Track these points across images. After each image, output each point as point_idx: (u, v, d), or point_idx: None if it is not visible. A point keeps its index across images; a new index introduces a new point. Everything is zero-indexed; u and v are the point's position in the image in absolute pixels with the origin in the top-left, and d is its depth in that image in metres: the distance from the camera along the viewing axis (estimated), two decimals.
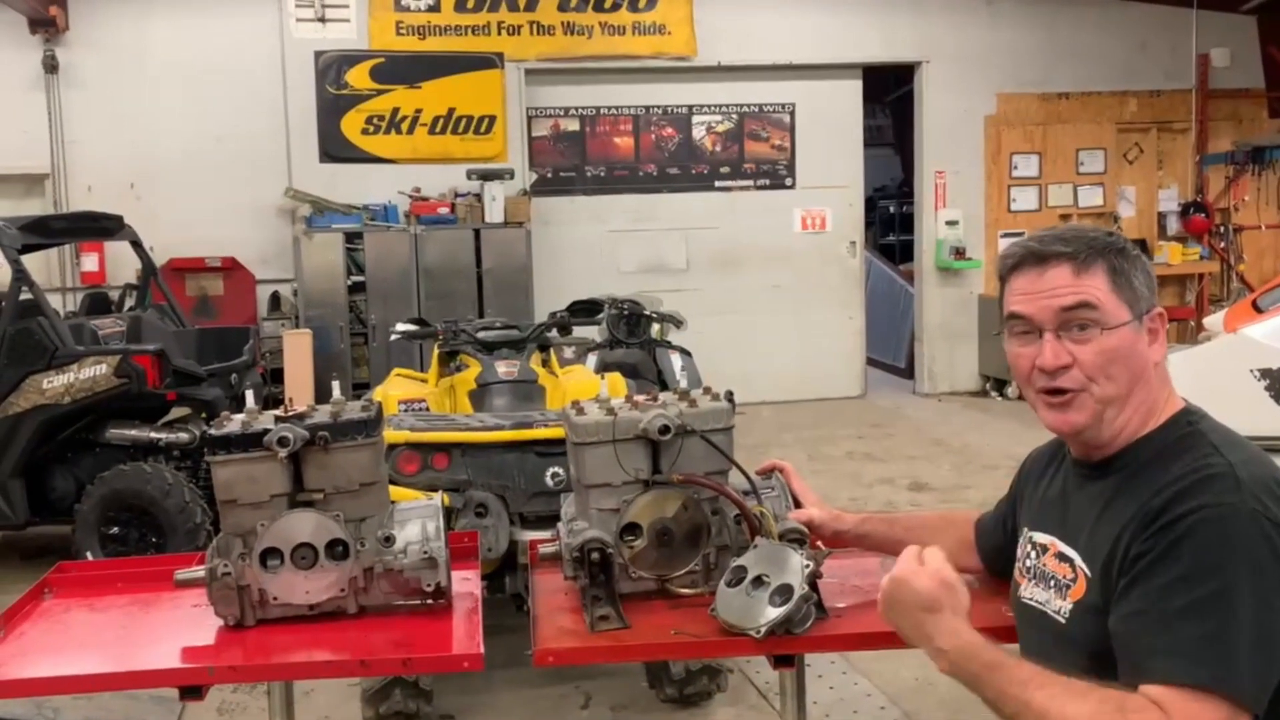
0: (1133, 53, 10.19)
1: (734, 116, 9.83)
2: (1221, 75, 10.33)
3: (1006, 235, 9.94)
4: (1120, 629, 1.43)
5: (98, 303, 6.45)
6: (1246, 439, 1.54)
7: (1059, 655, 1.54)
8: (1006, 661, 1.45)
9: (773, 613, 1.75)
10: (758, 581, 1.80)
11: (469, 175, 8.63)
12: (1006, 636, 1.74)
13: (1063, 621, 1.55)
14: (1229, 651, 1.34)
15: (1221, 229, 10.46)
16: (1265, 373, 4.11)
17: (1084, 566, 1.54)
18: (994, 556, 1.90)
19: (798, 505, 2.04)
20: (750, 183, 9.90)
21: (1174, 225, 10.47)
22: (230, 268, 8.57)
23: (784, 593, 1.76)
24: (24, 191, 8.59)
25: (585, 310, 4.94)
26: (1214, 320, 5.43)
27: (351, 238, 8.45)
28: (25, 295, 5.38)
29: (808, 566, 1.79)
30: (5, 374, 5.22)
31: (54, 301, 6.52)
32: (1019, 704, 1.39)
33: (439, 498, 2.11)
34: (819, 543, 1.95)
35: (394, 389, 4.44)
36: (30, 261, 5.64)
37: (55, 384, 5.19)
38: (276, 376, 7.74)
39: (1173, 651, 1.36)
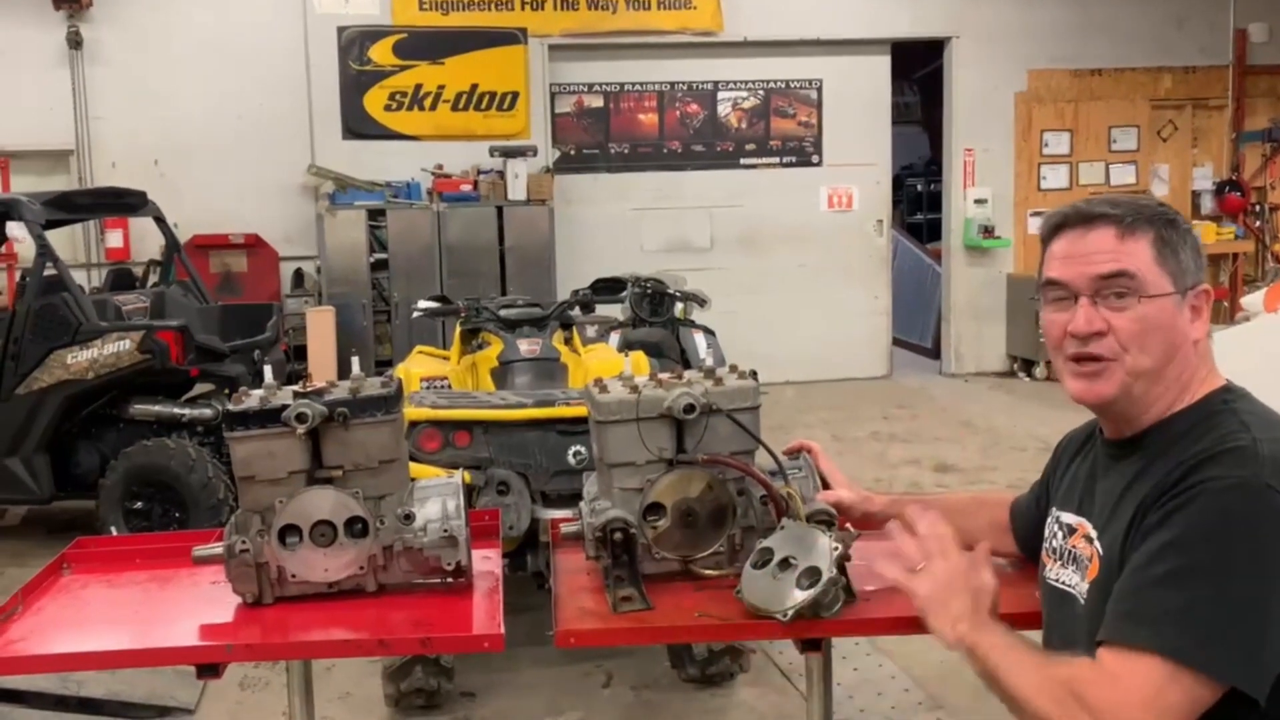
0: (1168, 28, 9.98)
1: (760, 93, 9.72)
2: (1259, 51, 10.11)
3: (1036, 214, 9.79)
4: (1113, 591, 1.41)
5: (122, 279, 6.47)
6: None
7: (1081, 637, 1.51)
8: (1004, 632, 1.48)
9: (799, 596, 1.71)
10: (784, 564, 1.76)
11: (492, 152, 8.58)
12: (1036, 622, 1.71)
13: (1083, 602, 1.53)
14: (1200, 624, 1.30)
15: (1257, 208, 10.26)
16: None
17: (1099, 547, 1.52)
18: (1029, 539, 1.85)
19: (826, 486, 1.99)
20: (776, 160, 9.80)
21: (1208, 204, 10.28)
22: (254, 244, 8.58)
23: (811, 575, 1.72)
24: (49, 168, 8.61)
25: (608, 289, 4.89)
26: (1253, 300, 5.31)
27: (374, 215, 8.44)
28: (50, 271, 5.39)
29: (836, 549, 1.74)
30: (30, 349, 5.25)
31: (78, 277, 6.55)
32: (994, 674, 1.43)
33: (459, 475, 2.08)
34: (848, 525, 1.91)
35: (416, 366, 4.43)
36: (55, 237, 5.65)
37: (79, 359, 5.21)
38: (300, 354, 7.76)
39: (1145, 617, 1.33)
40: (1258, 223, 10.25)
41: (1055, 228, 1.57)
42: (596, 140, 9.57)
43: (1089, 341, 1.50)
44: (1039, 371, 9.49)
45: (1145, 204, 1.53)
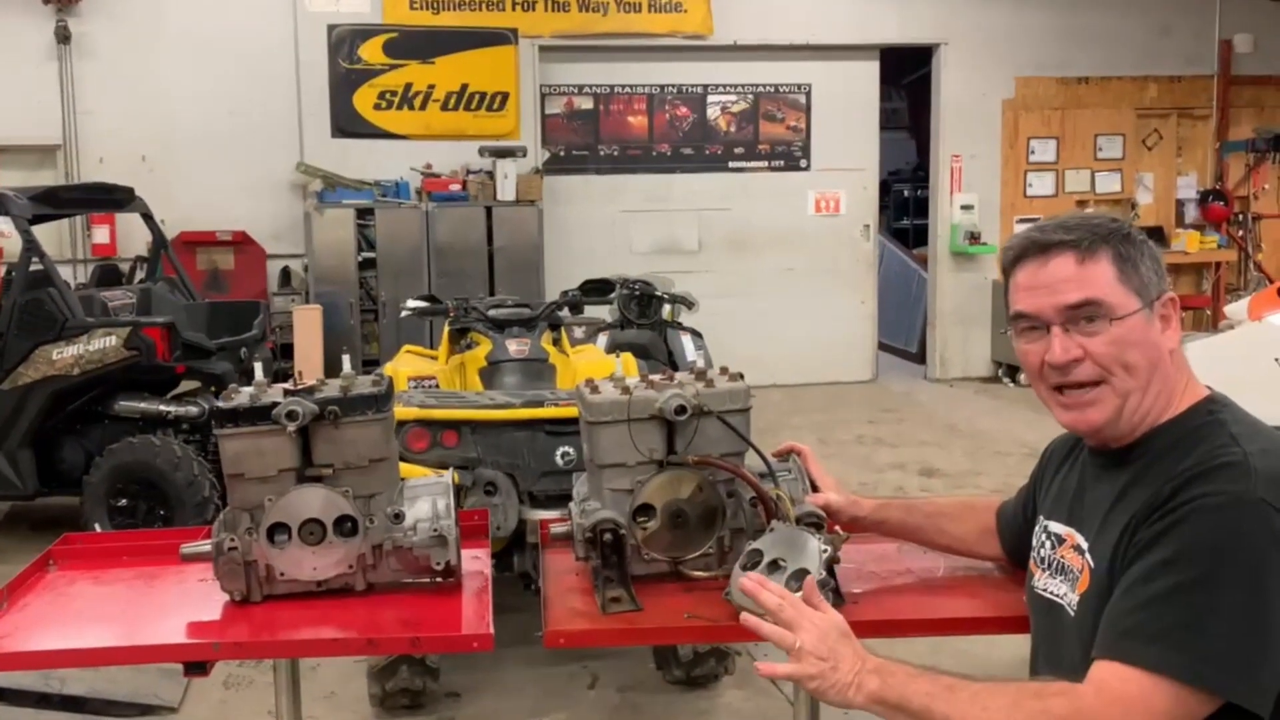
0: (1154, 37, 10.05)
1: (749, 97, 9.74)
2: (1244, 61, 10.19)
3: (1022, 220, 9.83)
4: (1107, 609, 1.41)
5: (108, 275, 6.43)
6: (1272, 429, 1.50)
7: (1068, 648, 1.52)
8: (923, 672, 1.44)
9: None
10: (773, 566, 1.76)
11: (481, 152, 8.57)
12: (1023, 627, 1.72)
13: (1072, 614, 1.53)
14: (1203, 641, 1.31)
15: (1240, 217, 10.33)
16: None
17: (1089, 559, 1.52)
18: (1015, 545, 1.86)
19: (815, 489, 2.00)
20: (764, 164, 9.82)
21: (1192, 213, 10.35)
22: (241, 242, 8.55)
23: (800, 578, 1.72)
24: (36, 163, 8.55)
25: (597, 290, 4.90)
26: (1236, 308, 5.36)
27: (363, 214, 8.42)
28: (36, 266, 5.35)
29: (825, 551, 1.75)
30: (15, 344, 5.22)
31: (65, 273, 6.50)
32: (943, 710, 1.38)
33: (449, 475, 2.08)
34: (836, 527, 1.91)
35: (404, 366, 4.42)
36: (41, 233, 5.62)
37: (65, 355, 5.18)
38: (286, 352, 7.73)
39: (1146, 635, 1.33)
40: (1241, 232, 10.32)
41: (1014, 259, 1.57)
42: (586, 142, 9.57)
43: (1069, 370, 1.51)
44: (1023, 377, 9.49)
45: (1098, 222, 1.54)
